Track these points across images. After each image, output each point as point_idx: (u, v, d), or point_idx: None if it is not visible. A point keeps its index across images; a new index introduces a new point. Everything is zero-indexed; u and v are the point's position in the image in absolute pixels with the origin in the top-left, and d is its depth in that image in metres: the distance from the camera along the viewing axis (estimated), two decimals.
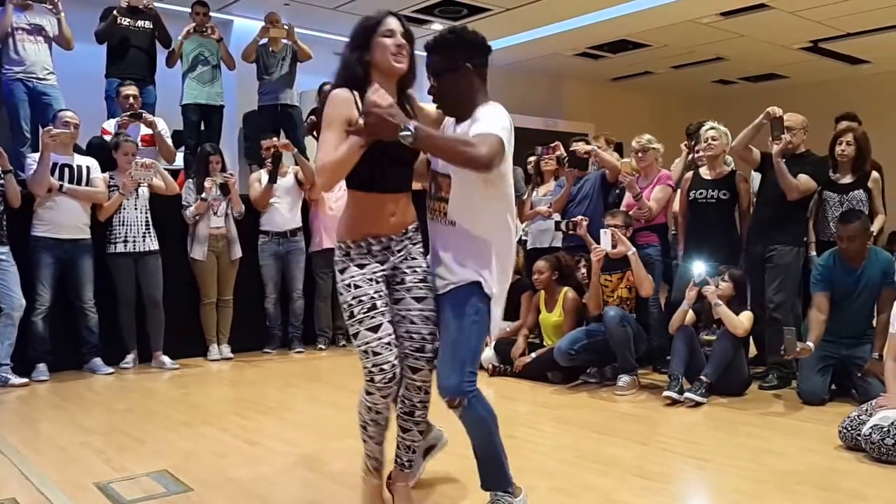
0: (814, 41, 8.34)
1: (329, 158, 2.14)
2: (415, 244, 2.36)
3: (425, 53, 2.32)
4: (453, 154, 2.14)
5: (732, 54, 8.88)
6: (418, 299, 2.32)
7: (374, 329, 2.24)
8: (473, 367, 2.29)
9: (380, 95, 2.07)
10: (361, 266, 2.28)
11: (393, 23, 2.25)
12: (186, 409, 4.04)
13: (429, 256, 2.42)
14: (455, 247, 2.32)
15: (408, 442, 2.45)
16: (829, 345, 4.04)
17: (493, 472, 2.39)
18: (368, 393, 2.30)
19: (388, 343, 2.25)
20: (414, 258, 2.35)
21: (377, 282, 2.28)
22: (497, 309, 2.34)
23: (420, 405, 2.40)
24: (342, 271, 2.30)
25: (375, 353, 2.23)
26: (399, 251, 2.33)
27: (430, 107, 2.44)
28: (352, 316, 2.26)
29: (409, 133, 2.02)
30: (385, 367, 2.24)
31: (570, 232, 4.82)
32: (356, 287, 2.26)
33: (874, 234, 4.44)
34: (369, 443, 2.45)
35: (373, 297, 2.25)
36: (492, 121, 2.19)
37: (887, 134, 7.58)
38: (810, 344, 3.86)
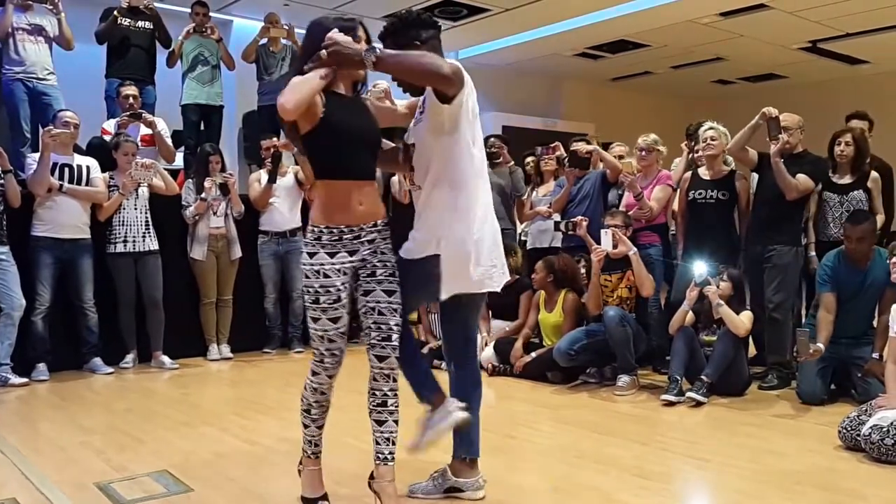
0: (813, 41, 8.33)
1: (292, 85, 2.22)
2: (384, 239, 2.46)
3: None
4: (417, 66, 2.25)
5: (732, 54, 8.87)
6: (388, 292, 2.44)
7: (335, 320, 2.39)
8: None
9: (339, 34, 2.24)
10: (331, 254, 2.37)
11: (360, 31, 2.40)
12: (186, 409, 4.04)
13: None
14: (423, 209, 2.48)
15: (386, 434, 2.49)
16: (830, 345, 4.02)
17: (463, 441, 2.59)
18: (315, 374, 2.46)
19: (343, 332, 2.43)
20: (384, 252, 2.45)
21: (344, 273, 2.39)
22: (479, 255, 2.44)
23: (391, 393, 2.48)
24: (311, 255, 2.38)
25: (331, 340, 2.41)
26: (370, 243, 2.43)
27: (401, 102, 2.60)
28: (317, 302, 2.37)
29: (370, 53, 2.18)
30: (336, 352, 2.44)
31: (570, 232, 4.82)
32: (325, 276, 2.37)
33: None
34: (311, 427, 2.54)
35: (339, 290, 2.38)
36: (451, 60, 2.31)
37: (887, 134, 7.58)
38: (821, 345, 3.86)
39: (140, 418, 3.81)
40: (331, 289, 2.36)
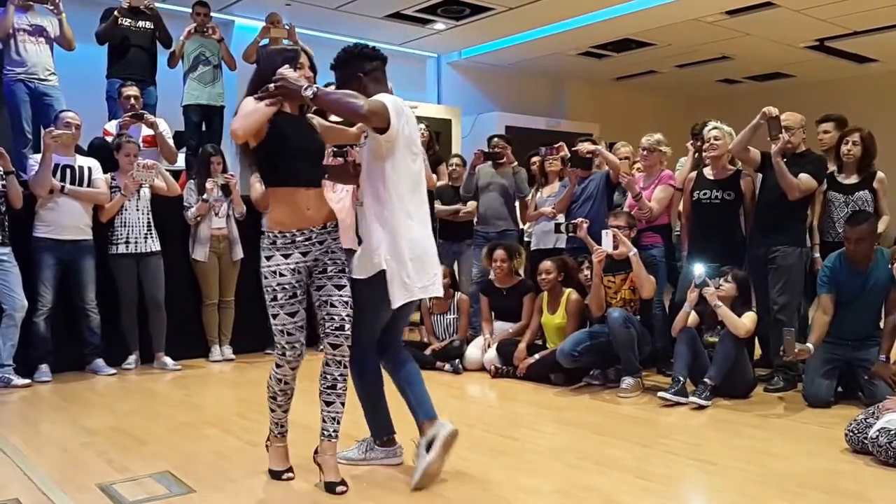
0: (820, 40, 8.29)
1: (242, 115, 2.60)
2: (335, 240, 2.76)
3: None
4: (342, 104, 2.60)
5: (737, 53, 8.83)
6: (338, 286, 2.73)
7: (293, 315, 2.69)
8: (361, 342, 2.80)
9: (287, 69, 2.59)
10: (286, 256, 2.67)
11: (304, 59, 2.77)
12: (188, 410, 4.03)
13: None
14: (364, 227, 2.76)
15: (332, 414, 2.77)
16: (835, 347, 4.01)
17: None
18: (279, 366, 2.76)
19: (301, 326, 2.72)
20: (334, 252, 2.75)
21: (299, 272, 2.69)
22: (400, 275, 2.69)
23: (340, 378, 2.76)
24: (268, 258, 2.68)
25: (290, 334, 2.70)
26: (321, 244, 2.72)
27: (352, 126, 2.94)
28: (275, 299, 2.68)
29: (310, 90, 2.53)
30: (296, 345, 2.72)
31: (571, 234, 4.80)
32: (281, 275, 2.67)
33: (880, 235, 4.41)
34: (277, 412, 2.85)
35: (294, 287, 2.68)
36: (377, 96, 2.65)
37: (895, 133, 7.54)
38: (809, 345, 3.84)
39: (142, 419, 3.80)
40: (286, 286, 2.66)
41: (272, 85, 2.54)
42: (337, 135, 2.95)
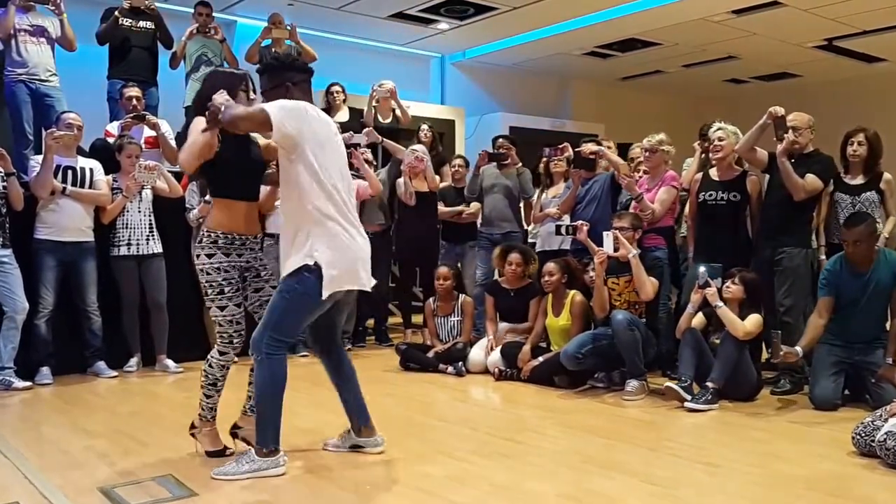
0: (828, 39, 8.23)
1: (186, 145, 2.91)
2: (261, 249, 3.19)
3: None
4: (227, 115, 2.73)
5: (745, 53, 8.78)
6: (275, 288, 2.96)
7: (238, 305, 3.05)
8: (278, 335, 2.85)
9: (221, 95, 2.81)
10: (227, 254, 2.98)
11: (246, 84, 3.05)
12: (191, 413, 3.95)
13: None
14: (282, 233, 2.93)
15: (251, 392, 3.11)
16: (841, 350, 3.98)
17: (260, 427, 2.92)
18: (223, 353, 3.10)
19: (243, 315, 3.07)
20: (262, 259, 3.14)
21: (237, 269, 3.03)
22: (332, 271, 2.80)
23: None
24: (210, 256, 2.96)
25: (238, 323, 3.05)
26: (251, 251, 3.07)
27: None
28: (222, 293, 2.99)
29: (225, 113, 2.73)
30: (242, 332, 3.07)
31: (571, 236, 4.78)
32: (226, 271, 2.99)
33: (886, 237, 4.37)
34: (214, 396, 3.16)
35: (238, 280, 3.03)
36: (275, 102, 2.83)
37: None
38: (798, 348, 3.83)
39: (144, 422, 3.79)
40: (231, 280, 3.00)
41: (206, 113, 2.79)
42: (271, 150, 3.09)
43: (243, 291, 3.08)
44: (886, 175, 4.44)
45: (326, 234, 2.82)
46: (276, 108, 2.77)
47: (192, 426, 3.21)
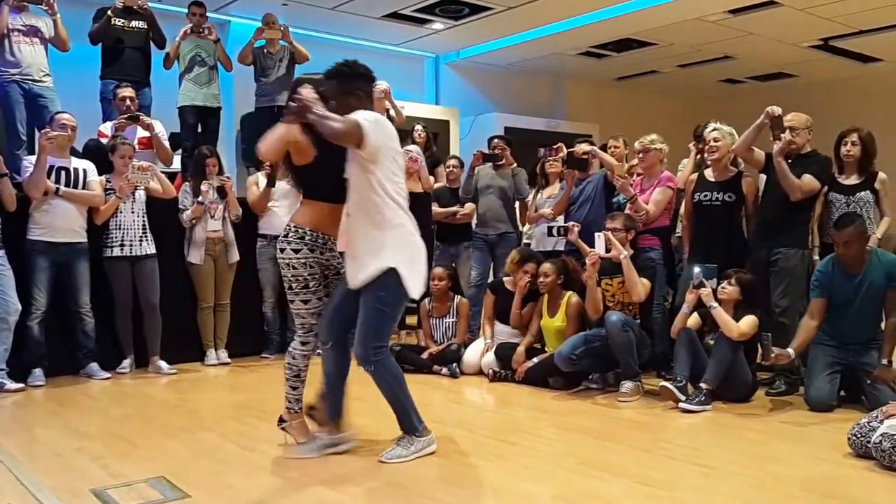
0: (824, 39, 8.24)
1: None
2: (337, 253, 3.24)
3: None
4: (326, 127, 2.83)
5: (740, 53, 8.79)
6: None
7: (321, 299, 3.16)
8: (379, 342, 3.05)
9: (308, 90, 3.00)
10: (312, 251, 3.09)
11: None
12: (184, 415, 4.00)
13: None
14: (353, 236, 3.05)
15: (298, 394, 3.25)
16: (836, 351, 3.98)
17: (405, 418, 3.12)
18: (305, 343, 3.19)
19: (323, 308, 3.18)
20: (339, 259, 3.21)
21: (319, 265, 3.14)
22: (412, 273, 3.01)
23: None
24: (297, 250, 3.07)
25: (321, 315, 3.15)
26: (332, 250, 3.19)
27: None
28: (307, 286, 3.11)
29: (313, 115, 2.82)
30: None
31: (563, 237, 4.78)
32: (311, 266, 3.10)
33: (879, 237, 4.37)
34: (300, 388, 3.23)
35: (320, 276, 3.15)
36: (358, 114, 2.95)
37: None
38: (790, 350, 3.82)
39: (137, 424, 3.78)
40: (316, 276, 3.12)
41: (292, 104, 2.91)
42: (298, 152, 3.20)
43: (325, 288, 3.18)
44: (881, 175, 4.44)
45: (401, 240, 3.02)
46: (368, 123, 2.92)
47: (281, 420, 3.26)
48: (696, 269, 4.15)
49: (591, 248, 4.48)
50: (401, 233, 3.02)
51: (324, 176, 3.10)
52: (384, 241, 2.98)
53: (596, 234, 4.43)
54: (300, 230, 3.08)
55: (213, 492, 2.74)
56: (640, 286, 4.37)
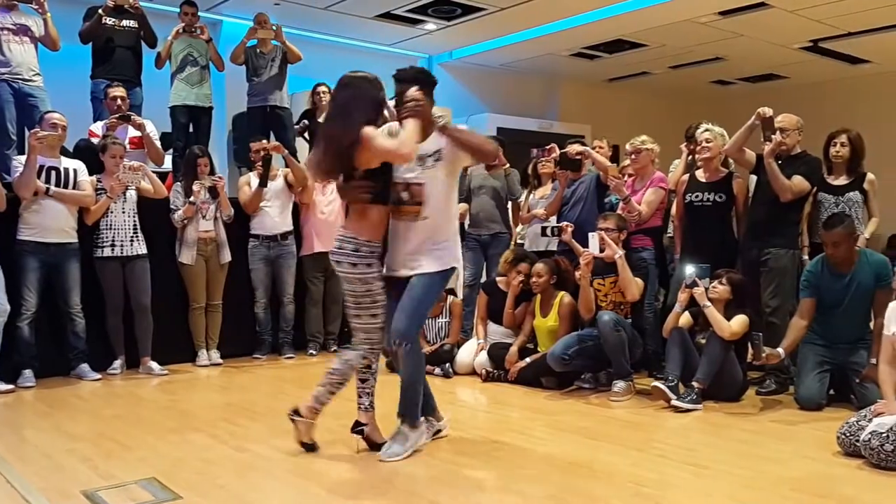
0: (814, 41, 8.28)
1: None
2: None
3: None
4: (474, 141, 3.19)
5: (731, 54, 8.82)
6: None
7: (387, 312, 3.14)
8: (420, 323, 3.31)
9: (415, 90, 3.12)
10: (381, 262, 3.14)
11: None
12: (175, 416, 3.99)
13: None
14: (424, 236, 3.12)
15: (368, 389, 3.23)
16: (826, 350, 4.01)
17: (412, 407, 3.20)
18: (366, 358, 3.16)
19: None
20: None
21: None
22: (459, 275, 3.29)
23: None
24: (370, 265, 3.08)
25: (383, 330, 3.15)
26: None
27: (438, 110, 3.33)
28: (375, 302, 3.10)
29: (441, 121, 3.19)
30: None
31: (556, 237, 4.78)
32: (380, 281, 3.12)
33: (867, 237, 4.40)
34: (334, 395, 3.21)
35: (387, 291, 3.16)
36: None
37: (887, 134, 7.55)
38: (780, 350, 3.85)
39: (128, 425, 3.76)
40: (384, 287, 3.12)
41: (412, 103, 3.07)
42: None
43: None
44: (870, 175, 4.47)
45: (457, 242, 3.27)
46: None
47: (296, 413, 3.19)
48: (690, 269, 4.17)
49: (584, 247, 4.49)
50: (457, 236, 3.26)
51: (388, 178, 3.13)
52: (449, 241, 3.17)
53: (590, 234, 4.44)
54: (372, 244, 3.09)
55: (205, 493, 2.73)
56: (635, 285, 4.39)
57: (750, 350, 4.09)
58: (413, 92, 3.07)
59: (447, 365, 5.01)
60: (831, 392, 4.07)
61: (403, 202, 3.14)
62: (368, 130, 2.98)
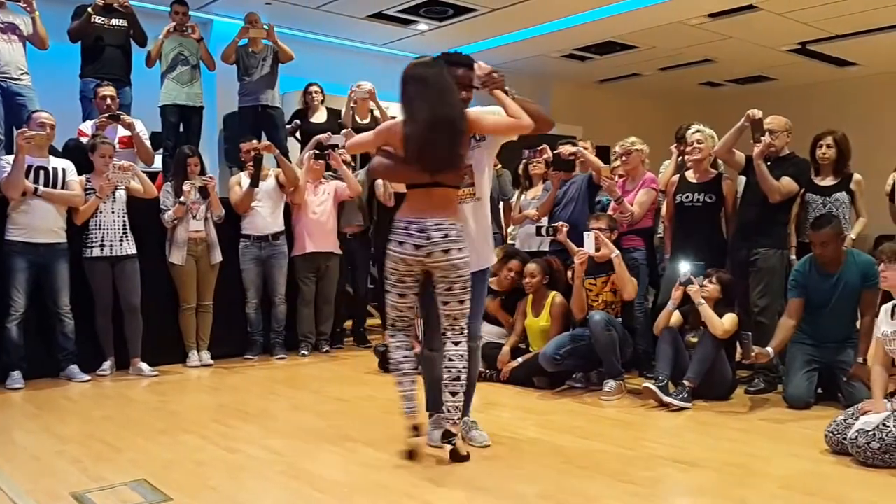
0: (802, 43, 8.35)
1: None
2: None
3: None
4: (534, 108, 3.09)
5: (720, 56, 8.89)
6: None
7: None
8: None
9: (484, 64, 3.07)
10: None
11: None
12: (165, 417, 3.97)
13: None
14: (479, 220, 3.14)
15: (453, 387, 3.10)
16: (814, 349, 4.04)
17: (469, 400, 3.25)
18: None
19: None
20: None
21: None
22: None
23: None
24: (462, 249, 2.98)
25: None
26: None
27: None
28: (466, 288, 3.04)
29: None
30: None
31: (551, 237, 4.79)
32: None
33: (854, 238, 4.44)
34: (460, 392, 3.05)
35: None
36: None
37: (874, 136, 7.62)
38: (769, 349, 3.87)
39: (118, 426, 3.73)
40: None
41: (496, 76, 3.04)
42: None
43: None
44: (856, 176, 4.52)
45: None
46: None
47: (448, 439, 3.05)
48: (686, 267, 4.19)
49: (577, 247, 4.50)
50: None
51: None
52: (490, 239, 3.22)
53: (585, 234, 4.45)
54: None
55: (195, 494, 2.72)
56: (631, 285, 4.41)
57: (739, 349, 4.12)
58: (485, 65, 3.07)
59: None
60: (819, 391, 4.10)
61: (465, 184, 3.11)
62: (474, 111, 3.06)
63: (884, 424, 2.97)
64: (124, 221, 4.99)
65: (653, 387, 4.02)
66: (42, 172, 4.72)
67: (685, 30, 7.80)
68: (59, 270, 4.73)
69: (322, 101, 6.56)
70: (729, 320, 4.10)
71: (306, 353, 5.71)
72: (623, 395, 4.32)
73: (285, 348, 5.69)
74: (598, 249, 4.39)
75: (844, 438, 3.08)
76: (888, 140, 8.20)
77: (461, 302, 3.01)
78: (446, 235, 2.94)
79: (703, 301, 4.09)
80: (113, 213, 4.94)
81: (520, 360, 4.71)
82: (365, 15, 7.55)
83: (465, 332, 3.04)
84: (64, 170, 4.83)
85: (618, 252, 4.41)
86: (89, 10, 5.74)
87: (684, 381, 4.00)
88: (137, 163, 5.33)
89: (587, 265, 4.45)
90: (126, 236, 4.98)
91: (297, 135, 6.65)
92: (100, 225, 4.90)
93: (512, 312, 5.02)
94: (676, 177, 4.84)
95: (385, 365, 5.15)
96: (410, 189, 3.08)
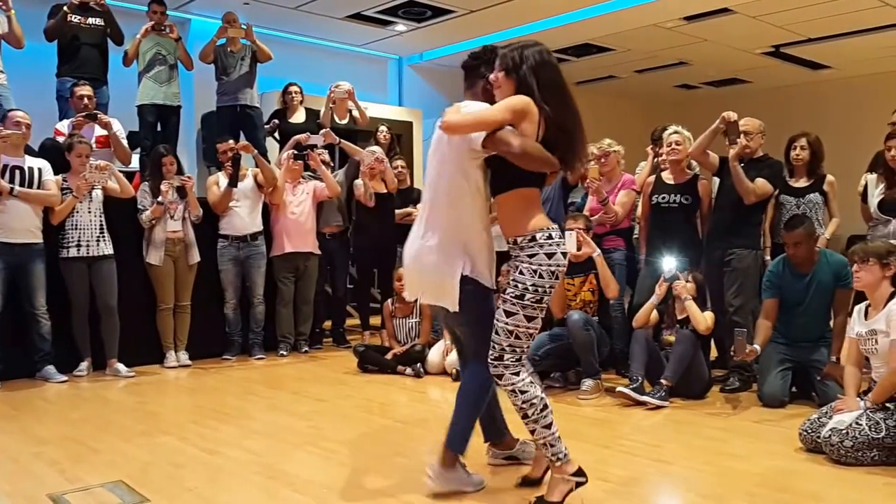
0: (776, 46, 8.48)
1: None
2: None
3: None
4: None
5: (695, 59, 9.00)
6: None
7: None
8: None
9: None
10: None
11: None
12: (143, 418, 3.95)
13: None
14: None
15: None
16: (787, 348, 4.10)
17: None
18: (518, 373, 2.50)
19: None
20: None
21: None
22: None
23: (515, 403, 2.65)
24: (550, 255, 2.50)
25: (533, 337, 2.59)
26: None
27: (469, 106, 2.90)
28: (540, 302, 2.50)
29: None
30: None
31: None
32: (557, 278, 2.55)
33: (828, 238, 4.52)
34: (554, 424, 2.53)
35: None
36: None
37: (847, 138, 7.75)
38: (757, 347, 3.92)
39: (95, 428, 3.71)
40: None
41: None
42: None
43: None
44: (829, 177, 4.61)
45: None
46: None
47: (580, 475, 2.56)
48: (671, 263, 4.23)
49: None
50: None
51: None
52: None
53: (566, 233, 4.48)
54: (549, 230, 2.53)
55: (173, 496, 2.72)
56: (614, 283, 4.45)
57: (717, 347, 4.16)
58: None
59: (418, 365, 5.02)
60: (793, 389, 4.16)
61: None
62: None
63: (857, 423, 3.03)
64: (101, 221, 4.95)
65: (626, 390, 4.05)
66: (18, 172, 4.67)
67: (661, 33, 7.88)
68: (35, 271, 4.69)
69: (301, 102, 6.54)
70: (710, 318, 4.16)
71: (285, 353, 5.70)
72: (600, 393, 4.36)
73: (264, 349, 5.67)
74: (579, 248, 4.42)
75: (818, 437, 3.13)
76: (861, 142, 8.32)
77: (531, 318, 2.52)
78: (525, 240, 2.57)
79: (688, 297, 4.14)
80: (90, 213, 4.90)
81: None
82: (343, 15, 7.55)
83: (493, 360, 2.54)
84: (40, 169, 4.79)
85: (599, 251, 4.45)
86: (65, 8, 5.68)
87: (661, 381, 4.05)
88: (114, 162, 5.29)
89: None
90: (103, 236, 4.94)
91: (276, 135, 6.63)
92: (76, 225, 4.86)
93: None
94: (652, 178, 4.90)
95: (364, 365, 5.16)
96: (523, 188, 2.64)
